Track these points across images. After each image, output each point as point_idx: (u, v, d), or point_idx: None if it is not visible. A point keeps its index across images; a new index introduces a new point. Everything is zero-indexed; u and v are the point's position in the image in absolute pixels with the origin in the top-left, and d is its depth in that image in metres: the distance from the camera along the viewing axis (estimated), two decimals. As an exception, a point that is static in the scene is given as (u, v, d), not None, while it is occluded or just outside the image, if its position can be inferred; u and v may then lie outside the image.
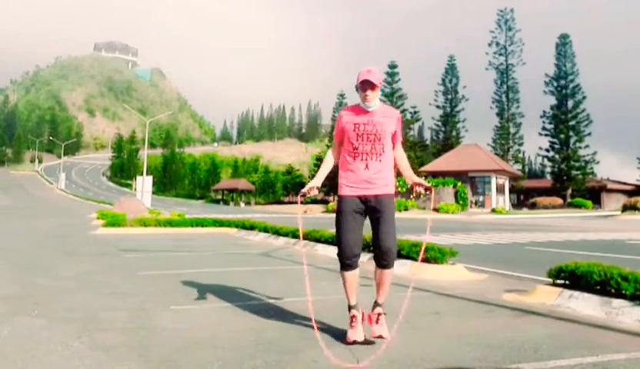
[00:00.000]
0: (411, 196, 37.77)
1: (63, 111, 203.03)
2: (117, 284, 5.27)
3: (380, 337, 3.01)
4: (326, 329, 3.32)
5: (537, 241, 12.31)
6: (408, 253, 6.34)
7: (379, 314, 3.10)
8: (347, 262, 3.07)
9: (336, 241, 3.15)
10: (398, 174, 3.49)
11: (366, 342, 3.00)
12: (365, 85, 3.07)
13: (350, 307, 3.11)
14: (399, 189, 38.19)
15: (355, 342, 2.97)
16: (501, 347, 2.98)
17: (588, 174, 50.49)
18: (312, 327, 3.15)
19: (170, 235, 13.00)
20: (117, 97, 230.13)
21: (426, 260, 6.10)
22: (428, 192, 3.13)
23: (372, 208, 3.10)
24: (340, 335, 3.17)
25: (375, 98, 3.11)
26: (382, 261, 3.06)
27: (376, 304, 3.15)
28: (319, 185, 3.20)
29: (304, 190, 3.18)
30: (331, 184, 48.58)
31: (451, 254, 6.11)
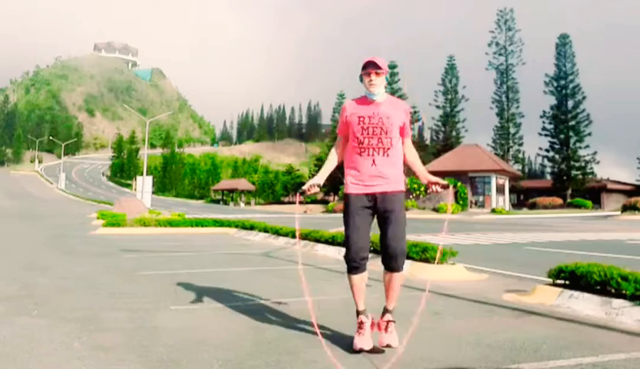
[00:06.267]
0: (412, 195, 37.62)
1: (63, 111, 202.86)
2: (117, 284, 5.27)
3: (388, 346, 2.86)
4: (327, 330, 3.31)
5: (537, 241, 12.31)
6: (408, 253, 6.33)
7: (388, 322, 2.93)
8: (354, 264, 2.88)
9: (344, 242, 2.97)
10: (408, 172, 3.30)
11: (374, 350, 2.81)
12: (369, 68, 2.89)
13: (358, 313, 2.92)
14: (408, 187, 38.04)
15: (361, 350, 2.79)
16: (501, 347, 2.98)
17: (588, 174, 50.53)
18: (312, 327, 3.14)
19: (170, 235, 12.99)
20: (117, 97, 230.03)
21: (425, 260, 6.11)
22: (444, 189, 2.96)
23: (380, 207, 2.90)
24: (338, 337, 3.16)
25: (380, 85, 2.91)
26: (391, 264, 2.88)
27: (385, 311, 2.98)
28: (321, 183, 3.00)
29: (304, 187, 2.97)
30: (331, 184, 48.62)
31: (451, 254, 6.10)
